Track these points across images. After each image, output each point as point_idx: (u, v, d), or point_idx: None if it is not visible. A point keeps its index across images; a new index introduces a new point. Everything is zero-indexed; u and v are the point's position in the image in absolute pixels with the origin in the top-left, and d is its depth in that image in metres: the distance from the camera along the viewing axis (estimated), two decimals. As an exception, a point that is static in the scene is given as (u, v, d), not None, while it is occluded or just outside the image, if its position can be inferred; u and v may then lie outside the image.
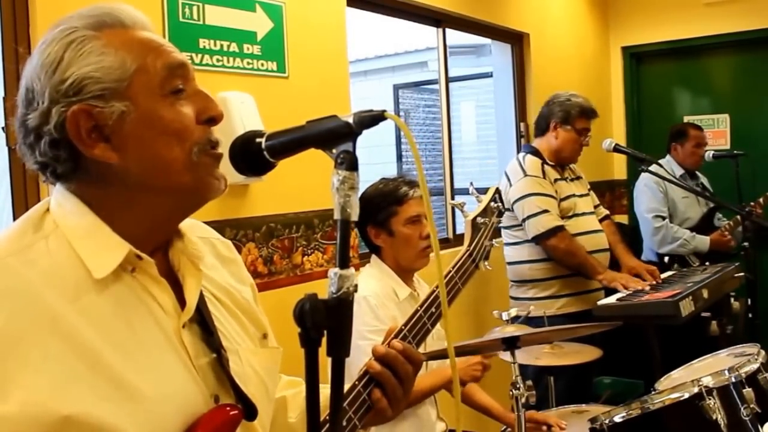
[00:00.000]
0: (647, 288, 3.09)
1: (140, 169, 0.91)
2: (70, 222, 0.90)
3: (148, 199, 0.93)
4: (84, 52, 0.89)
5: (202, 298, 0.98)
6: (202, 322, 0.97)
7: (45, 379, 0.80)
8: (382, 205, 2.24)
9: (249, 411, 0.97)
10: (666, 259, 3.88)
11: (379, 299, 2.14)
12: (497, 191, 1.55)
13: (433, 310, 1.29)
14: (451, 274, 1.38)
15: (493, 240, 1.49)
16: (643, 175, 4.08)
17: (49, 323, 0.83)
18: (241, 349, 1.02)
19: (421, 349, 2.20)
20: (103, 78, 0.89)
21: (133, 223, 0.92)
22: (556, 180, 3.26)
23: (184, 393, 0.91)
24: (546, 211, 3.14)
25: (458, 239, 3.74)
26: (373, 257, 2.32)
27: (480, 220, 1.48)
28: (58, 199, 0.93)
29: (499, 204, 1.54)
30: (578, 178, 3.46)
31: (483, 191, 1.57)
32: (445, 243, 3.69)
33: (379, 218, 2.24)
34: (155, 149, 0.91)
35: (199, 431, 0.90)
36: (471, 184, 1.68)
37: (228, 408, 0.94)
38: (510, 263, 3.35)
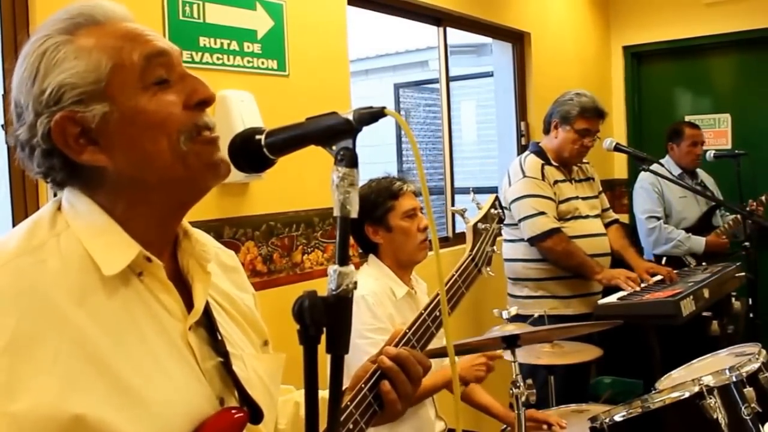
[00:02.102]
0: (648, 284, 3.08)
1: (131, 167, 0.90)
2: (81, 221, 0.90)
3: (147, 195, 0.92)
4: (58, 60, 0.88)
5: (208, 303, 0.98)
6: (208, 326, 0.97)
7: (55, 379, 0.81)
8: (379, 201, 2.26)
9: (254, 414, 0.97)
10: (663, 260, 3.87)
11: (376, 298, 2.15)
12: (496, 198, 1.58)
13: (437, 313, 1.29)
14: (454, 278, 1.38)
15: (494, 246, 1.51)
16: (640, 176, 4.08)
17: (59, 325, 0.83)
18: (245, 354, 1.02)
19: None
20: (79, 83, 0.88)
21: (139, 222, 0.92)
22: (556, 182, 3.23)
23: (190, 396, 0.91)
24: (542, 213, 3.12)
25: (458, 238, 3.74)
26: (371, 257, 2.32)
27: (481, 226, 1.50)
28: (69, 198, 0.93)
29: (499, 210, 1.56)
30: (589, 179, 3.42)
31: (483, 192, 1.59)
32: (444, 242, 3.69)
33: (377, 214, 2.26)
34: (142, 145, 0.90)
35: None
36: (471, 190, 1.70)
37: (233, 411, 0.94)
38: (506, 260, 3.36)
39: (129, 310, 0.89)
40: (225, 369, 0.96)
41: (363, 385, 1.12)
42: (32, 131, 0.89)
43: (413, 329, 1.24)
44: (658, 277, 3.22)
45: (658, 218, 3.97)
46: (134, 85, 0.90)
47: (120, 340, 0.86)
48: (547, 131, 3.35)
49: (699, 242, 3.89)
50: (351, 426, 1.08)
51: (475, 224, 1.49)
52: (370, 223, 2.27)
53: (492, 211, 1.54)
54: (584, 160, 3.42)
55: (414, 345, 1.22)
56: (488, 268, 1.48)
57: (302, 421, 1.19)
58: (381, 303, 2.15)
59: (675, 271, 3.36)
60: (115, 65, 0.89)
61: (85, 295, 0.86)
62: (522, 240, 3.22)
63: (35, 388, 0.79)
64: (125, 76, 0.89)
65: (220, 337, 0.98)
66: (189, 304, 0.95)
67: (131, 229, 0.91)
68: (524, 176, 3.21)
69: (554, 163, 3.27)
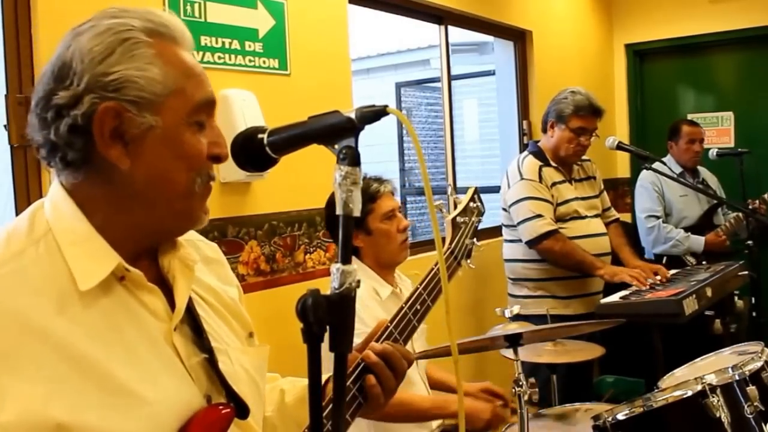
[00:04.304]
0: (653, 281, 3.08)
1: (145, 181, 0.91)
2: (63, 225, 0.90)
3: (141, 211, 0.93)
4: (135, 55, 0.89)
5: (190, 299, 0.99)
6: (192, 324, 0.98)
7: (39, 388, 0.81)
8: None
9: (241, 409, 0.98)
10: (664, 260, 3.87)
11: (361, 301, 2.12)
12: (476, 191, 1.59)
13: (417, 307, 1.30)
14: (434, 271, 1.39)
15: (474, 239, 1.52)
16: (641, 175, 4.08)
17: (41, 333, 0.83)
18: (230, 349, 1.03)
19: (422, 347, 2.20)
20: (144, 86, 0.89)
21: (123, 229, 0.93)
22: (554, 183, 3.21)
23: (176, 395, 0.92)
24: (539, 215, 3.11)
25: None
26: (353, 259, 2.29)
27: (460, 219, 1.52)
28: (54, 200, 0.93)
29: (479, 204, 1.57)
30: (589, 178, 3.40)
31: (463, 191, 1.61)
32: (447, 241, 3.68)
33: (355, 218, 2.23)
34: (166, 168, 0.92)
35: (193, 431, 0.90)
36: (449, 185, 1.71)
37: (220, 407, 0.95)
38: (506, 260, 3.36)
39: (111, 315, 0.89)
40: (210, 365, 0.97)
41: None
42: (74, 101, 0.87)
43: (395, 322, 1.25)
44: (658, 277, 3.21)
45: (658, 217, 3.96)
46: (182, 115, 0.92)
47: (104, 344, 0.87)
48: (544, 130, 3.34)
49: (698, 241, 3.88)
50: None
51: (454, 218, 1.50)
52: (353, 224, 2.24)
53: (471, 204, 1.55)
54: (586, 158, 3.40)
55: (396, 338, 1.24)
56: (468, 261, 1.48)
57: (288, 409, 1.20)
58: (366, 306, 2.13)
59: (676, 271, 3.35)
60: (178, 89, 0.91)
61: (65, 303, 0.86)
62: (521, 241, 3.22)
63: (21, 397, 0.80)
64: (181, 104, 0.92)
65: (204, 334, 0.98)
66: (172, 303, 0.96)
67: (112, 232, 0.92)
68: (522, 178, 3.20)
69: (553, 164, 3.25)
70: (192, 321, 0.98)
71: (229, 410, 0.95)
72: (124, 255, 0.92)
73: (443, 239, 1.47)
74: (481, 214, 1.56)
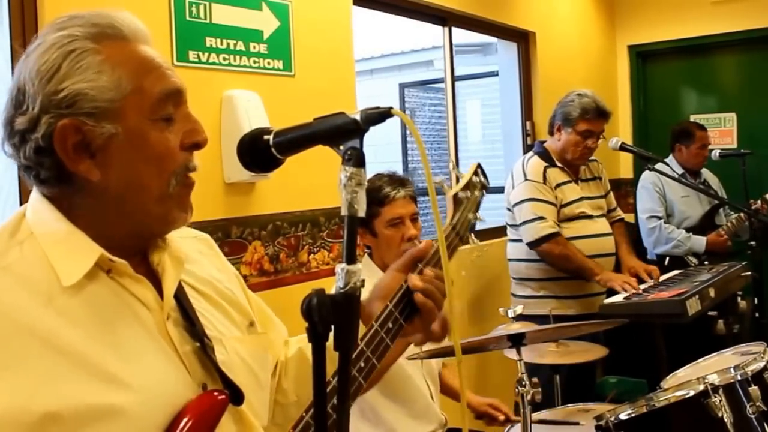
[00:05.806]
0: (646, 287, 3.08)
1: (118, 189, 0.92)
2: (44, 228, 0.91)
3: (119, 217, 0.94)
4: (82, 66, 0.88)
5: (183, 290, 1.00)
6: (184, 313, 0.99)
7: (26, 379, 0.82)
8: None
9: (236, 396, 0.98)
10: (666, 260, 3.87)
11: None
12: (479, 166, 1.56)
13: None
14: (435, 248, 1.37)
15: (477, 213, 1.49)
16: (642, 176, 4.07)
17: (27, 327, 0.84)
18: (225, 338, 1.03)
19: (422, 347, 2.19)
20: (97, 96, 0.88)
21: (106, 232, 0.93)
22: (559, 184, 3.22)
23: (170, 384, 0.92)
24: (541, 218, 3.12)
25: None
26: (365, 256, 2.29)
27: (462, 194, 1.48)
28: (34, 206, 0.94)
29: (482, 178, 1.54)
30: (596, 178, 3.40)
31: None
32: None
33: (363, 218, 2.21)
34: (136, 173, 0.92)
35: (187, 416, 0.91)
36: (450, 160, 1.67)
37: (215, 393, 0.96)
38: (510, 260, 3.37)
39: (99, 306, 0.90)
40: (204, 354, 0.98)
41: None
42: (32, 125, 0.88)
43: (395, 302, 1.23)
44: (664, 277, 3.21)
45: (659, 218, 3.96)
46: (145, 114, 0.91)
47: (94, 335, 0.88)
48: (551, 132, 3.35)
49: (699, 242, 3.87)
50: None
51: (456, 194, 1.46)
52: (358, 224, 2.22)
53: (474, 179, 1.51)
54: (593, 158, 3.40)
55: (397, 317, 1.22)
56: (473, 236, 1.46)
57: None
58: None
59: (678, 271, 3.35)
60: (134, 89, 0.90)
61: (52, 297, 0.87)
62: None
63: (6, 390, 0.81)
64: (141, 102, 0.91)
65: (197, 323, 0.99)
66: (163, 295, 0.97)
67: (96, 234, 0.92)
68: (525, 179, 3.21)
69: (558, 165, 3.26)
70: (184, 310, 0.99)
71: (224, 396, 0.96)
72: (111, 254, 0.92)
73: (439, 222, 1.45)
74: (485, 188, 1.51)
